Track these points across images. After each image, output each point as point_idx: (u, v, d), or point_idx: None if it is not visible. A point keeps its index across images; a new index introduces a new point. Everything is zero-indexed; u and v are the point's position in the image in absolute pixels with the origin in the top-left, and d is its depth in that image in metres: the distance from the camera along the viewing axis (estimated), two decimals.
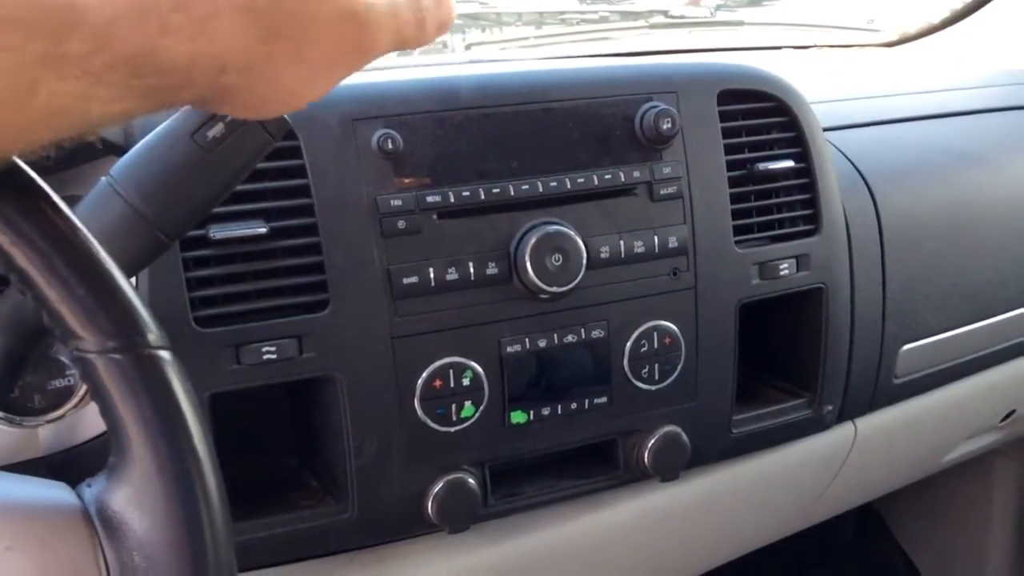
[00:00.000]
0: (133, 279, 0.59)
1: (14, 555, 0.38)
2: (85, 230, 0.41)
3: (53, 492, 0.40)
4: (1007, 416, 1.20)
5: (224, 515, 0.41)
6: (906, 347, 0.97)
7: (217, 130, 0.54)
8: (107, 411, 0.40)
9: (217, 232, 0.66)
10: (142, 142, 0.56)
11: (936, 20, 1.58)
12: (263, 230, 0.67)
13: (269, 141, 0.56)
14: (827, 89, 1.14)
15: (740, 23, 1.54)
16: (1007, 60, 1.38)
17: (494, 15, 1.34)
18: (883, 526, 1.67)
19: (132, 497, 0.39)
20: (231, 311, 0.67)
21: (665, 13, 1.45)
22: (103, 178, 0.56)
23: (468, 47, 1.30)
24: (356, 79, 0.76)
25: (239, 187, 0.66)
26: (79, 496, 0.41)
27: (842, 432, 0.97)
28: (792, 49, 1.51)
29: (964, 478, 1.50)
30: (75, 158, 0.66)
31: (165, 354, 0.41)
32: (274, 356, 0.67)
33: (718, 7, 1.72)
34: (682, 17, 1.46)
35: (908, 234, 0.95)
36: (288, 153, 0.69)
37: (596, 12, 1.39)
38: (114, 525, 0.39)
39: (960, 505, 1.58)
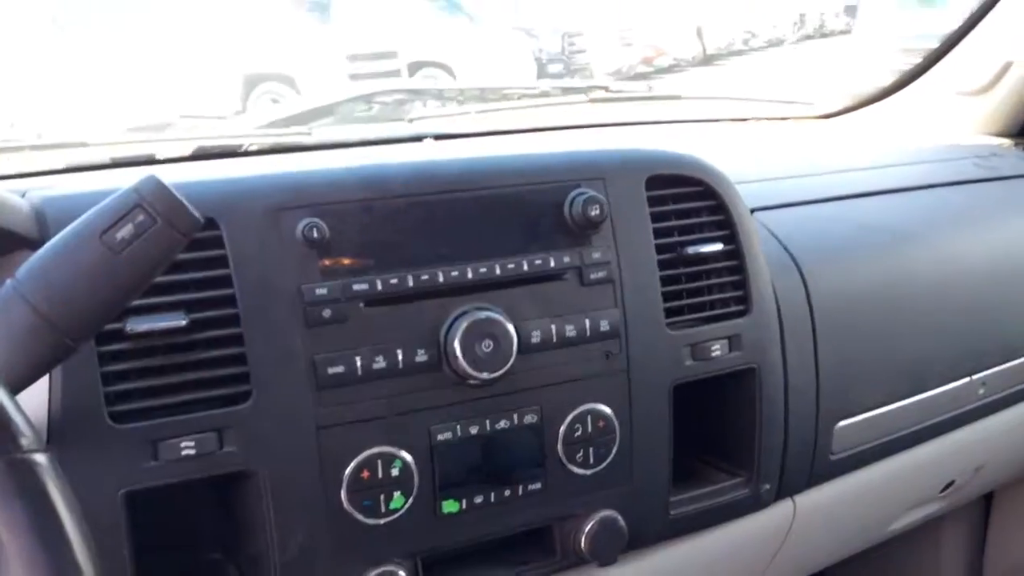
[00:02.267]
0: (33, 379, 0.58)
1: None
2: None
3: None
4: (947, 486, 1.21)
5: None
6: (841, 423, 0.97)
7: (126, 231, 0.54)
8: None
9: (134, 325, 0.65)
10: (50, 243, 0.56)
11: (871, 92, 1.63)
12: (182, 323, 0.66)
13: (180, 240, 0.55)
14: (760, 167, 1.17)
15: (678, 97, 1.59)
16: (938, 135, 1.43)
17: (436, 90, 1.36)
18: None
19: None
20: (148, 406, 0.66)
21: (606, 88, 1.48)
22: (8, 280, 0.55)
23: (410, 120, 1.32)
24: (282, 167, 0.76)
25: (158, 279, 0.66)
26: None
27: (781, 509, 0.97)
28: (729, 122, 1.55)
29: (913, 543, 1.51)
30: None
31: (40, 457, 0.40)
32: (193, 451, 0.66)
33: (670, 67, 1.76)
34: (620, 92, 1.49)
35: (840, 312, 0.97)
36: (209, 243, 0.68)
37: (536, 88, 1.42)
38: None
39: (910, 571, 1.58)
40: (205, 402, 0.67)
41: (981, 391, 1.10)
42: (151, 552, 0.74)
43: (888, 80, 1.60)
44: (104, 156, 1.05)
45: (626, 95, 1.46)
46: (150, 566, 0.72)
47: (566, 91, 1.50)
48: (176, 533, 0.76)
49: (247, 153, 1.10)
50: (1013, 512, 1.50)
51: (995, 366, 1.11)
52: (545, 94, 1.43)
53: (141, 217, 0.54)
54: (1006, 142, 1.43)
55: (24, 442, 0.39)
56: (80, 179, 0.93)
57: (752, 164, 1.17)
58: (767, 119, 1.60)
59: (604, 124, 1.42)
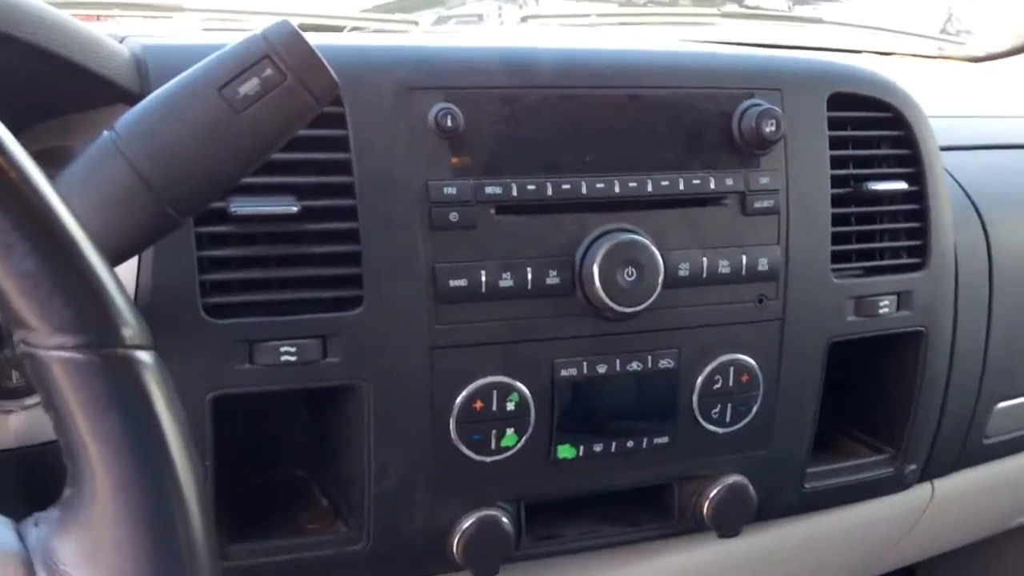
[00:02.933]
0: (134, 257, 0.49)
1: None
2: (49, 189, 0.31)
3: None
4: None
5: (211, 570, 0.31)
6: (1001, 404, 0.85)
7: (251, 86, 0.44)
8: (61, 428, 0.31)
9: (239, 207, 0.56)
10: (158, 92, 0.46)
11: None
12: (294, 209, 0.57)
13: (312, 106, 0.46)
14: (924, 103, 1.02)
15: (819, 20, 1.42)
16: None
17: None
18: None
19: (88, 548, 0.30)
20: (247, 300, 0.57)
21: (739, 2, 1.33)
22: (106, 132, 0.46)
23: (524, 19, 1.19)
24: (415, 40, 0.66)
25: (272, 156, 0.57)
26: (21, 537, 0.31)
27: (919, 493, 0.86)
28: (872, 54, 1.39)
29: (1008, 542, 1.39)
30: (76, 101, 0.56)
31: (144, 356, 0.31)
32: (293, 358, 0.57)
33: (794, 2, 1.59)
34: (757, 8, 1.33)
35: (1020, 278, 0.84)
36: (330, 121, 0.58)
37: None
38: None
39: (1004, 570, 1.47)
40: (310, 303, 0.59)
41: None
42: (231, 465, 0.66)
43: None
44: (198, 23, 0.96)
45: (763, 12, 1.30)
46: (231, 481, 0.65)
47: (697, 1, 1.34)
48: (259, 444, 0.69)
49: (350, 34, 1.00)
50: None
51: None
52: (674, 2, 1.28)
53: (269, 71, 0.44)
54: None
55: (127, 334, 0.31)
56: (184, 38, 0.83)
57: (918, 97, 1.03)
58: (915, 55, 1.43)
59: (732, 43, 1.28)
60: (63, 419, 0.30)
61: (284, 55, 0.44)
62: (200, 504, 0.31)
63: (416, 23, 1.14)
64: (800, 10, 1.44)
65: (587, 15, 1.27)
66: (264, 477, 0.69)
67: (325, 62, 0.45)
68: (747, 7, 1.35)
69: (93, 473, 0.30)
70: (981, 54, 1.52)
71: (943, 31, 1.63)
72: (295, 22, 0.48)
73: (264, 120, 0.44)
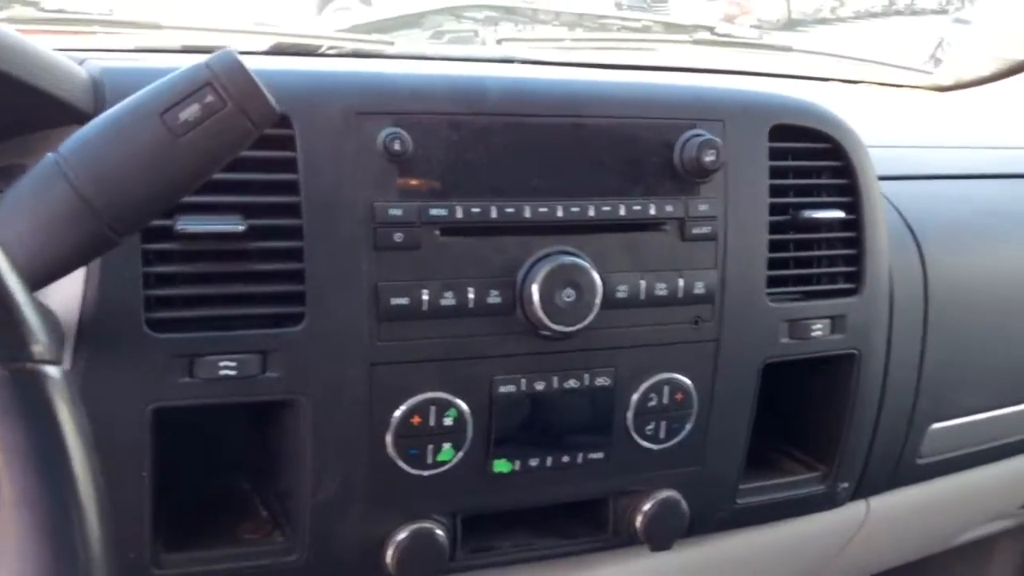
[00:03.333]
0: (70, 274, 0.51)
1: None
2: None
3: None
4: None
5: None
6: (936, 425, 0.88)
7: (191, 112, 0.46)
8: None
9: (185, 225, 0.57)
10: (102, 116, 0.48)
11: (993, 69, 1.48)
12: (240, 228, 0.59)
13: (251, 131, 0.47)
14: (877, 133, 1.05)
15: (789, 49, 1.44)
16: None
17: (530, 11, 1.25)
18: None
19: None
20: (191, 316, 0.59)
21: (711, 30, 1.35)
22: (50, 153, 0.47)
23: (500, 42, 1.21)
24: (365, 66, 0.68)
25: (218, 176, 0.58)
26: None
27: (852, 510, 0.88)
28: (840, 83, 1.42)
29: (963, 556, 1.42)
30: (33, 122, 0.57)
31: (52, 371, 0.33)
32: (232, 372, 0.59)
33: (758, 30, 1.61)
34: (728, 36, 1.36)
35: (955, 303, 0.87)
36: (279, 143, 0.60)
37: (639, 20, 1.30)
38: None
39: None
40: (252, 319, 0.60)
41: None
42: (172, 475, 0.68)
43: (994, 64, 1.44)
44: (176, 41, 0.97)
45: (734, 40, 1.32)
46: (172, 491, 0.66)
47: (669, 27, 1.36)
48: (202, 455, 0.70)
49: (325, 55, 1.01)
50: None
51: None
52: (647, 28, 1.31)
53: (210, 98, 0.46)
54: None
55: (37, 349, 0.32)
56: (147, 60, 0.85)
57: (868, 129, 1.05)
58: (880, 84, 1.46)
59: (705, 70, 1.30)
60: None
61: (226, 83, 0.46)
62: (99, 515, 0.32)
63: (392, 43, 1.16)
64: (769, 39, 1.46)
65: (561, 39, 1.29)
66: (211, 488, 0.71)
67: (265, 90, 0.47)
68: (718, 35, 1.37)
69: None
70: (949, 83, 1.55)
71: (934, 57, 1.65)
72: (272, 41, 0.49)
73: (203, 144, 0.46)
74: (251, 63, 0.47)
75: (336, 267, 0.61)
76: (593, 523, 0.74)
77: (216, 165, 0.48)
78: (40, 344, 0.33)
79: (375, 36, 1.13)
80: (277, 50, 0.99)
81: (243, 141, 0.47)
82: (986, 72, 1.48)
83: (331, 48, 1.03)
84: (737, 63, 1.32)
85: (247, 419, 0.67)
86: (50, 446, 0.32)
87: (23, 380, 0.32)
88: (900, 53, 1.60)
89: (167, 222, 0.57)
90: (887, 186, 0.88)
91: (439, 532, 0.66)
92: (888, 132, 1.08)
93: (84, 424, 0.34)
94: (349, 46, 1.06)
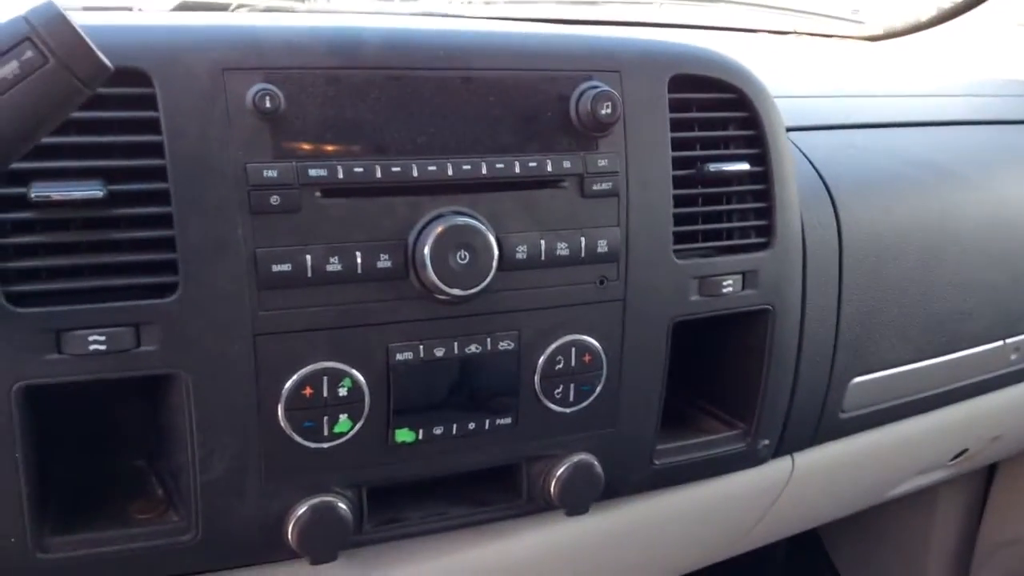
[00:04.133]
0: None
1: None
2: None
3: None
4: (959, 454, 1.12)
5: None
6: (857, 380, 0.88)
7: (9, 69, 0.43)
8: None
9: (41, 192, 0.54)
10: None
11: (924, 17, 1.48)
12: (99, 194, 0.55)
13: (79, 89, 0.44)
14: (797, 83, 1.03)
15: (721, 0, 1.43)
16: (997, 67, 1.28)
17: None
18: (819, 548, 1.60)
19: None
20: (53, 289, 0.56)
21: None
22: None
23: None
24: (231, 19, 0.64)
25: (75, 139, 0.55)
26: None
27: (778, 466, 0.88)
28: (769, 33, 1.40)
29: (907, 506, 1.43)
30: None
31: None
32: (103, 347, 0.56)
33: None
34: None
35: (871, 254, 0.86)
36: (140, 102, 0.57)
37: None
38: None
39: (901, 532, 1.52)
40: (123, 291, 0.57)
41: (1013, 356, 0.99)
42: (64, 453, 0.65)
43: (940, 6, 1.44)
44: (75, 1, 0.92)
45: None
46: (63, 469, 0.64)
47: None
48: (95, 433, 0.67)
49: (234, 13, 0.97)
50: (1017, 484, 1.42)
51: None
52: None
53: (29, 53, 0.43)
54: None
55: None
56: None
57: (789, 79, 1.04)
58: (810, 34, 1.45)
59: (622, 22, 1.28)
60: None
61: (46, 37, 0.43)
62: None
63: (303, 0, 1.12)
64: None
65: None
66: (105, 467, 0.68)
67: (92, 45, 0.44)
68: None
69: None
70: (880, 32, 1.55)
71: (855, 11, 1.65)
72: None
73: (25, 103, 0.43)
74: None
75: (209, 233, 0.58)
76: (507, 490, 0.73)
77: (44, 126, 0.45)
78: None
79: None
80: (184, 7, 0.95)
81: (72, 100, 0.44)
82: (917, 20, 1.48)
83: (239, 7, 0.99)
84: (662, 15, 1.30)
85: (138, 393, 0.64)
86: None
87: None
88: (832, 3, 1.60)
89: (20, 189, 0.54)
90: (801, 137, 0.87)
91: (342, 505, 0.64)
92: (808, 82, 1.07)
93: None
94: (261, 4, 1.02)
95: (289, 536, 0.63)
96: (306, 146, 0.60)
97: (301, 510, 0.63)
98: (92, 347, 0.56)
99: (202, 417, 0.59)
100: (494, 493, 0.73)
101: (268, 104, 0.58)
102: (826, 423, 0.87)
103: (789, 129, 0.79)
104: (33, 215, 0.55)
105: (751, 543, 1.00)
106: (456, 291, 0.63)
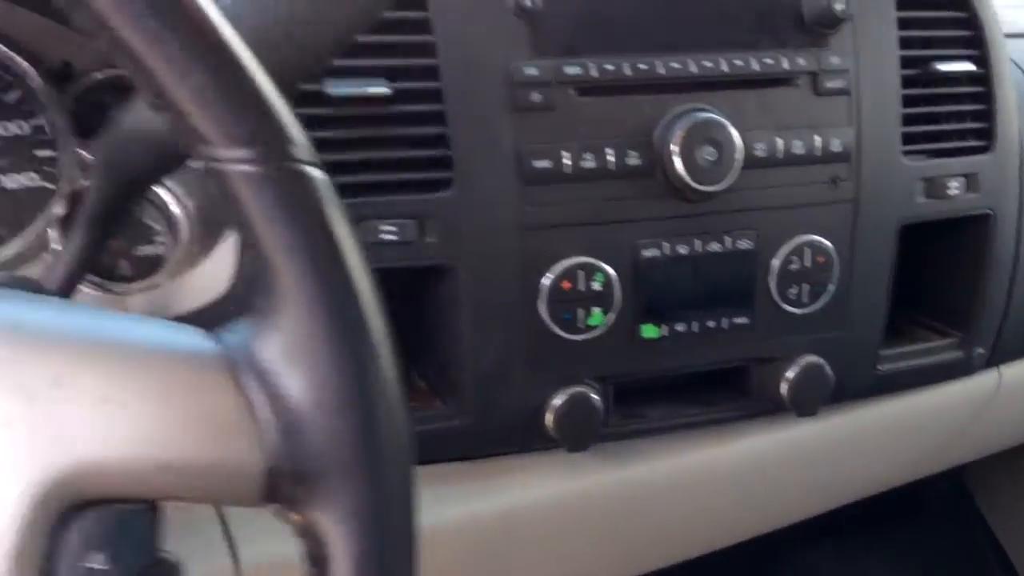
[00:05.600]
0: None
1: (131, 407, 0.30)
2: (219, 17, 0.32)
3: (186, 337, 0.32)
4: None
5: (393, 369, 0.32)
6: None
7: None
8: (247, 241, 0.32)
9: (335, 88, 0.57)
10: None
11: None
12: (387, 91, 0.58)
13: None
14: None
15: None
16: None
17: None
18: (971, 504, 1.57)
19: (287, 349, 0.31)
20: (345, 182, 0.59)
21: None
22: None
23: None
24: None
25: (360, 38, 0.58)
26: (220, 344, 0.33)
27: (986, 378, 0.87)
28: None
29: None
30: None
31: (315, 172, 0.32)
32: (395, 237, 0.59)
33: None
34: None
35: None
36: (411, 2, 0.59)
37: None
38: (267, 380, 0.31)
39: None
40: (403, 186, 0.60)
41: None
42: None
43: None
44: None
45: None
46: None
47: None
48: None
49: None
50: None
51: None
52: None
53: None
54: None
55: (296, 151, 0.32)
56: None
57: None
58: None
59: None
60: (248, 230, 0.31)
61: None
62: (377, 305, 0.32)
63: None
64: None
65: None
66: None
67: None
68: None
69: (281, 282, 0.31)
70: None
71: None
72: None
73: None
74: None
75: (479, 130, 0.61)
76: (736, 392, 0.74)
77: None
78: (298, 145, 0.32)
79: None
80: None
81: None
82: None
83: None
84: None
85: (396, 292, 0.67)
86: (330, 245, 0.32)
87: (290, 179, 0.31)
88: None
89: (316, 86, 0.57)
90: (1010, 44, 0.85)
91: (594, 396, 0.66)
92: None
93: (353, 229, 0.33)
94: None
95: (548, 423, 0.65)
96: (562, 44, 0.62)
97: (559, 399, 0.65)
98: (383, 236, 0.59)
99: (476, 309, 0.62)
100: (724, 395, 0.74)
101: (528, 3, 0.60)
102: None
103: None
104: (328, 111, 0.58)
105: (946, 461, 0.98)
106: (703, 187, 0.65)
